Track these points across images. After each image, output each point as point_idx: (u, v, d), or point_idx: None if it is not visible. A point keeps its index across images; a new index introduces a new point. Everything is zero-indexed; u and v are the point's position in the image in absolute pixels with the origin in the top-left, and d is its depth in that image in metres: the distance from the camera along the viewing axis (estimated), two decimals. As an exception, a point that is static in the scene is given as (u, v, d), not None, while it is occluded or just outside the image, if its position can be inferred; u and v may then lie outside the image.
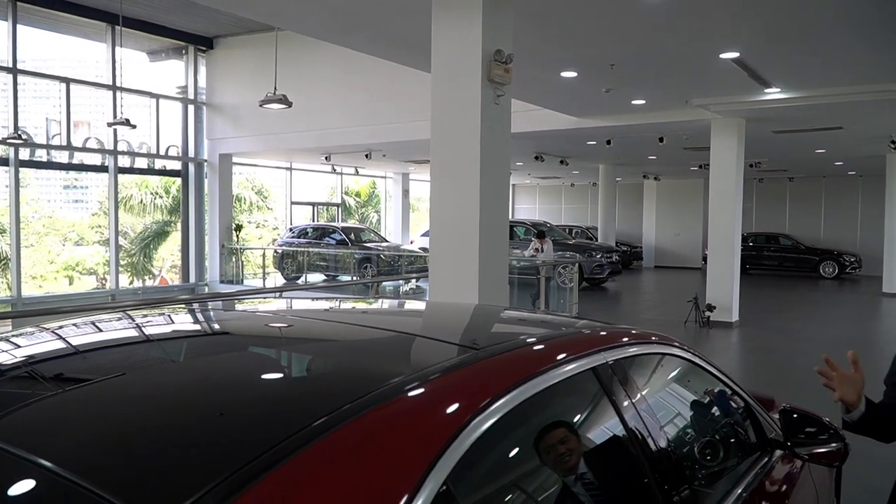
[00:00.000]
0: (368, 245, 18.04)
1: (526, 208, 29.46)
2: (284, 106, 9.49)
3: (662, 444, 1.68)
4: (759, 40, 7.59)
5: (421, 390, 1.21)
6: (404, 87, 12.02)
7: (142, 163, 17.04)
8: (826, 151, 16.45)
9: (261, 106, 10.53)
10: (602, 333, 1.81)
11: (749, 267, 22.96)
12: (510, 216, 28.56)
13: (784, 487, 2.22)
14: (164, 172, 17.91)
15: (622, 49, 7.87)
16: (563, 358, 1.50)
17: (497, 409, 1.19)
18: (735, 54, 8.01)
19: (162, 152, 16.83)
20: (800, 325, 12.13)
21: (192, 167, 17.49)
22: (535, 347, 1.57)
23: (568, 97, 10.73)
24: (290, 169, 21.24)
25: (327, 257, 18.11)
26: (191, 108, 17.20)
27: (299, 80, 13.66)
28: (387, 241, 19.43)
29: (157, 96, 16.61)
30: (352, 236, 18.36)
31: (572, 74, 9.09)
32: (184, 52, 16.86)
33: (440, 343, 1.71)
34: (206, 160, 17.48)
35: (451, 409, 1.17)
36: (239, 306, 2.63)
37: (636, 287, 18.88)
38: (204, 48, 16.80)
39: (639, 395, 1.68)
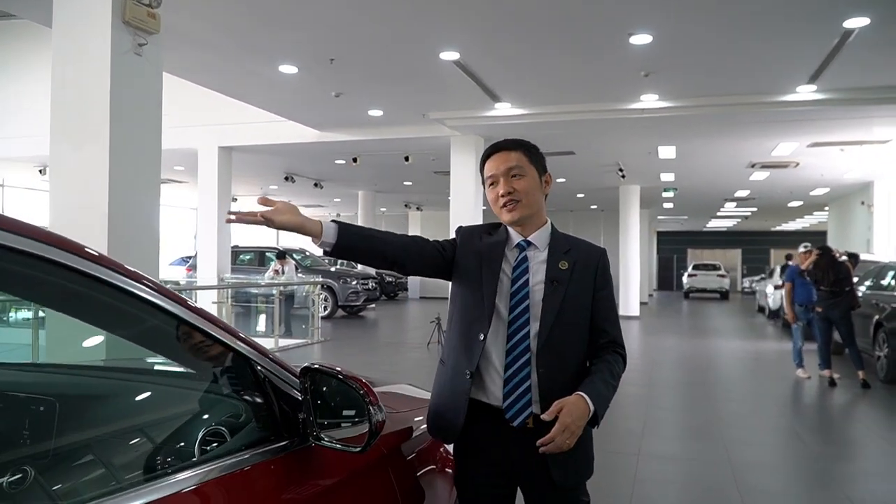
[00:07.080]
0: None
1: (291, 238, 28.24)
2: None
3: None
4: (476, 42, 7.37)
5: None
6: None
7: None
8: (567, 181, 17.33)
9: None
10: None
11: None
12: (276, 242, 26.92)
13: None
14: None
15: (338, 37, 7.23)
16: None
17: None
18: (455, 55, 7.74)
19: None
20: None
21: None
22: None
23: (296, 100, 9.95)
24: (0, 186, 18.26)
25: None
26: None
27: (9, 75, 11.70)
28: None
29: None
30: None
31: (292, 70, 8.33)
32: None
33: None
34: None
35: None
36: None
37: (395, 315, 18.49)
38: None
39: None
